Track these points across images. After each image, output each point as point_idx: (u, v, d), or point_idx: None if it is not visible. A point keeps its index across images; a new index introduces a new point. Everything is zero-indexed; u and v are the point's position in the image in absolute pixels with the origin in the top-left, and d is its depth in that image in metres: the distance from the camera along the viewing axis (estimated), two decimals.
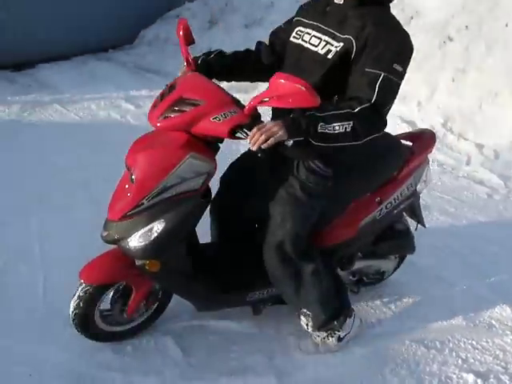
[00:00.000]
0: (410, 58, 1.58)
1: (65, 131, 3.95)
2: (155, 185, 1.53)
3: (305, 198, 1.67)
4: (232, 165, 1.96)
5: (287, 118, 1.45)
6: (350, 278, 2.12)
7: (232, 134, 1.48)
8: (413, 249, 2.17)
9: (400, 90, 1.58)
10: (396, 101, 1.58)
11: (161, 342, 1.92)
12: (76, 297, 1.70)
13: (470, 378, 1.82)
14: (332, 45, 1.57)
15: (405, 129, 3.87)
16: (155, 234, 1.57)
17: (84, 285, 1.69)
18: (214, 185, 1.82)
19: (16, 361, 1.81)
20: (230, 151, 1.99)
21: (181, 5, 6.95)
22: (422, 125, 3.95)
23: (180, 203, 1.57)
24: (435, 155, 3.67)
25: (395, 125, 3.88)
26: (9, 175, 3.17)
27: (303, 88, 1.34)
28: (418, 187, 2.04)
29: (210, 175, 1.60)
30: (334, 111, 1.47)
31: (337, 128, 1.44)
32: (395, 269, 2.26)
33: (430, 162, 2.14)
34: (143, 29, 6.60)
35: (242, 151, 1.98)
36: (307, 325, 1.85)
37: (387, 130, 1.64)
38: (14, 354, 1.82)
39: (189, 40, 1.75)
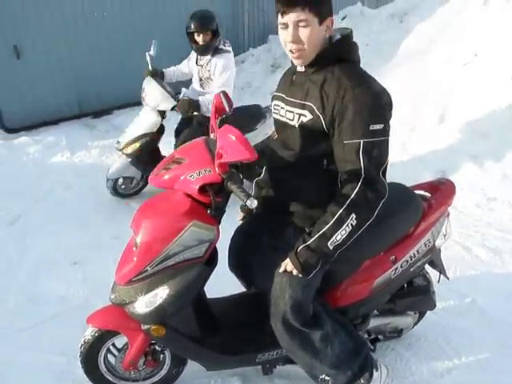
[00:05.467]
0: (390, 110, 1.50)
1: None
2: (158, 252, 1.55)
3: None
4: (238, 229, 1.95)
5: (294, 258, 1.54)
6: (366, 336, 2.01)
7: (203, 192, 1.51)
8: (433, 305, 2.06)
9: None
10: None
11: None
12: (82, 341, 1.81)
13: None
14: (302, 115, 1.54)
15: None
16: (160, 301, 1.59)
17: (91, 329, 1.79)
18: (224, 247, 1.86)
19: None
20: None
21: (245, 50, 7.32)
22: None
23: (184, 270, 1.59)
24: (508, 197, 3.57)
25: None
26: (86, 216, 3.53)
27: (233, 138, 1.36)
28: (437, 242, 1.93)
29: (212, 243, 1.60)
30: (330, 222, 1.49)
31: (343, 233, 1.48)
32: (415, 324, 2.15)
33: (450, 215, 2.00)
34: None
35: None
36: None
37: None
38: None
39: (221, 112, 1.83)
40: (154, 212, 1.64)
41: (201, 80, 3.60)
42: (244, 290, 2.04)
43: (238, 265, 1.93)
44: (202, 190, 1.52)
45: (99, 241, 3.12)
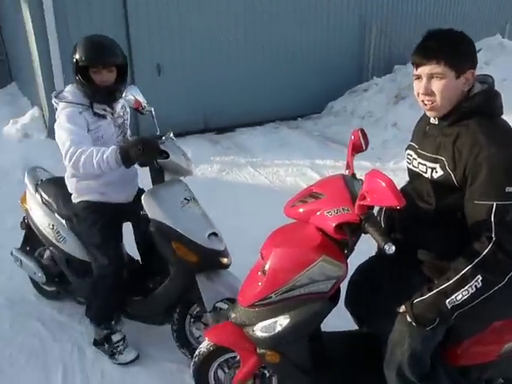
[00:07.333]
0: None
1: (256, 193, 4.38)
2: (286, 282, 1.57)
3: None
4: (360, 267, 1.93)
5: (409, 308, 1.50)
6: None
7: (339, 230, 1.50)
8: None
9: None
10: None
11: None
12: (198, 352, 1.90)
13: None
14: (434, 169, 1.51)
15: None
16: (279, 328, 1.61)
17: (206, 342, 1.86)
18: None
19: None
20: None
21: (368, 79, 7.27)
22: None
23: (307, 303, 1.59)
24: None
25: None
26: None
27: (383, 184, 1.33)
28: None
29: (339, 279, 1.60)
30: (452, 280, 1.43)
31: (464, 293, 1.41)
32: None
33: None
34: (332, 100, 7.00)
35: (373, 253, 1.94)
36: None
37: None
38: None
39: (357, 149, 1.84)
40: (285, 241, 1.67)
41: (123, 134, 2.43)
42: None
43: (354, 303, 1.92)
44: (336, 227, 1.54)
45: None
